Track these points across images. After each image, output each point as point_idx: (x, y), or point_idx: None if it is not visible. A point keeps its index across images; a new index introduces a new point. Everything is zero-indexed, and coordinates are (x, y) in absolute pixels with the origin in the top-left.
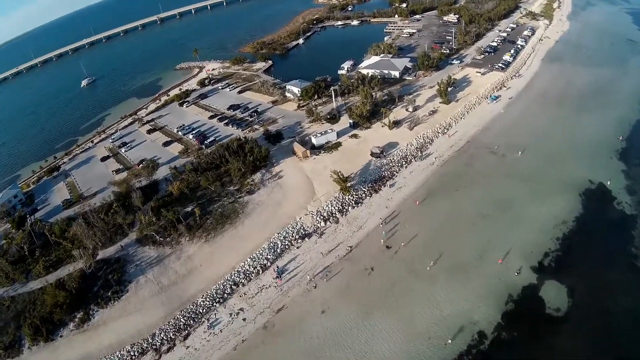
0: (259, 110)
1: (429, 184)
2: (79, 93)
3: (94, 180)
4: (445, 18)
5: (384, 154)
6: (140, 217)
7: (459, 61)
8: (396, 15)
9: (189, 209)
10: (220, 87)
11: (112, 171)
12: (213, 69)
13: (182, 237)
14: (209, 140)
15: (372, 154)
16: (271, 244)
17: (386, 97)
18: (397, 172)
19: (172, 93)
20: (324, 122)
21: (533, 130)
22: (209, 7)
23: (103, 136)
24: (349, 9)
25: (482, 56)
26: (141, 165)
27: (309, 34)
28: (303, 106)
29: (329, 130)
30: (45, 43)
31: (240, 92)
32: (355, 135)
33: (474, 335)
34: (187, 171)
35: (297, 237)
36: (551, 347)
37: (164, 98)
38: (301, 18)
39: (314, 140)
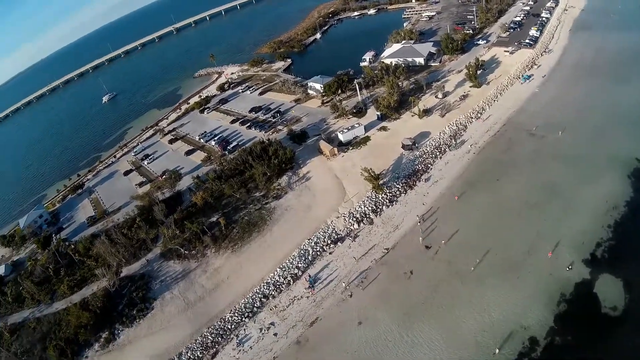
0: (281, 110)
1: (467, 174)
2: (100, 110)
3: (117, 195)
4: None
5: (416, 145)
6: (163, 230)
7: (484, 41)
8: (413, 0)
9: (214, 219)
10: (240, 91)
11: (135, 185)
12: (232, 73)
13: (207, 249)
14: (231, 146)
15: (404, 147)
16: (302, 252)
17: (413, 86)
18: (431, 164)
19: (192, 101)
20: (350, 116)
21: (571, 107)
22: (223, 13)
23: (125, 150)
24: None
25: (507, 33)
26: (164, 176)
27: (325, 27)
28: (327, 102)
29: (356, 125)
30: (66, 65)
31: (261, 93)
32: (384, 128)
33: (524, 342)
34: (210, 180)
35: (329, 242)
36: (609, 351)
37: (184, 107)
38: (316, 13)
39: (341, 137)
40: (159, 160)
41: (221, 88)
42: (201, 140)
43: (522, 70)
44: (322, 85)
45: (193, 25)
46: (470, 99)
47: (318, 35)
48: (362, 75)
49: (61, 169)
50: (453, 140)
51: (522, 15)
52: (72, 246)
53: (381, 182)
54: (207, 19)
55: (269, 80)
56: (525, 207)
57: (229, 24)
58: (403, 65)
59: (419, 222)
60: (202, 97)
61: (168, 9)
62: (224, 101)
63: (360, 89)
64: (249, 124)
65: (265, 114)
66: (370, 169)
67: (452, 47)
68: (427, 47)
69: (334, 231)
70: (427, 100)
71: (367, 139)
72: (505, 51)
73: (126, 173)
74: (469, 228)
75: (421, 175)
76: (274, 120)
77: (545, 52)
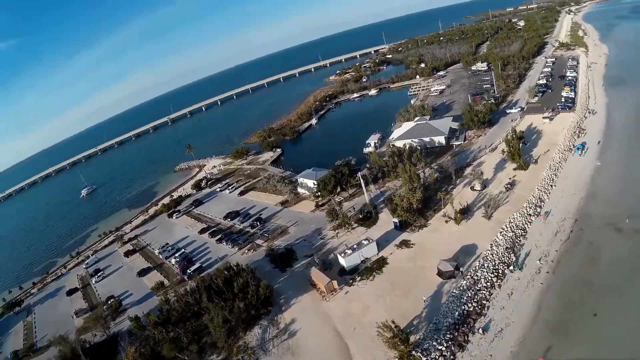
0: (262, 216)
1: (546, 311)
2: (77, 204)
3: (53, 323)
4: (473, 68)
5: (461, 270)
6: None
7: (518, 108)
8: (417, 76)
9: None
10: (218, 189)
11: (74, 312)
12: (213, 167)
13: None
14: (193, 269)
15: (441, 274)
16: None
17: (438, 175)
18: (487, 300)
19: (166, 201)
20: (355, 225)
21: None
22: (219, 102)
23: (79, 259)
24: (363, 80)
25: (537, 98)
26: (105, 306)
27: (322, 112)
28: (322, 204)
29: (365, 242)
30: (64, 153)
31: (241, 193)
32: (405, 243)
33: None
34: (151, 325)
35: None
36: None
37: (153, 209)
38: (312, 97)
39: (342, 261)
40: (110, 278)
41: (197, 186)
42: (160, 255)
43: (570, 138)
44: (315, 182)
45: (188, 115)
46: (520, 187)
47: (314, 121)
48: (368, 165)
49: (17, 275)
50: (512, 254)
51: (545, 77)
52: None
53: (411, 343)
54: (203, 109)
55: (253, 176)
56: None
57: (223, 113)
58: (419, 147)
59: None
60: (173, 198)
61: (169, 100)
62: (198, 202)
63: (367, 184)
64: (219, 235)
65: (242, 222)
66: (393, 322)
67: (477, 120)
68: (447, 123)
69: None
70: (462, 193)
71: (381, 261)
72: (543, 118)
73: (70, 292)
74: None
75: (474, 321)
76: (252, 231)
77: (589, 113)
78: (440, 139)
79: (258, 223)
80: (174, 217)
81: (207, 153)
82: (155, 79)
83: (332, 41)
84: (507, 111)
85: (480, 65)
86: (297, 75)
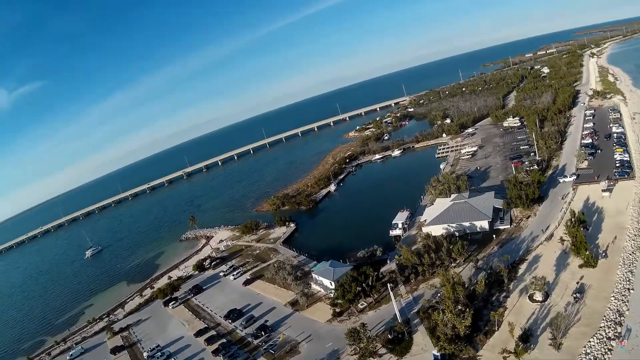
0: (268, 323)
1: None
2: (80, 267)
3: None
4: (505, 124)
5: None
6: None
7: (573, 177)
8: (444, 134)
9: None
10: (222, 274)
11: None
12: (220, 241)
13: None
14: None
15: None
16: None
17: (489, 278)
18: None
19: (165, 280)
20: (383, 351)
21: None
22: (235, 157)
23: (63, 347)
24: (385, 137)
25: (586, 162)
26: None
27: (341, 176)
28: (341, 312)
29: None
30: (80, 201)
31: (247, 282)
32: None
33: None
34: None
35: None
36: None
37: (149, 291)
38: (331, 158)
39: None
40: None
41: (199, 267)
42: None
43: (638, 217)
44: (332, 282)
45: (204, 170)
46: (592, 296)
47: (332, 187)
48: (397, 257)
49: (4, 350)
50: None
51: (589, 134)
52: None
53: None
54: (219, 163)
55: (262, 257)
56: None
57: (238, 170)
58: (457, 234)
59: None
60: (171, 281)
61: (186, 151)
62: (197, 289)
63: (395, 285)
64: (217, 346)
65: (245, 327)
66: None
67: (526, 197)
68: (489, 201)
69: None
70: (519, 306)
71: None
72: (602, 191)
73: None
74: None
75: None
76: (255, 342)
77: None
78: (483, 224)
79: (263, 333)
80: (169, 306)
81: (217, 219)
82: (175, 128)
83: (352, 92)
84: (560, 179)
85: (512, 121)
86: (315, 129)
